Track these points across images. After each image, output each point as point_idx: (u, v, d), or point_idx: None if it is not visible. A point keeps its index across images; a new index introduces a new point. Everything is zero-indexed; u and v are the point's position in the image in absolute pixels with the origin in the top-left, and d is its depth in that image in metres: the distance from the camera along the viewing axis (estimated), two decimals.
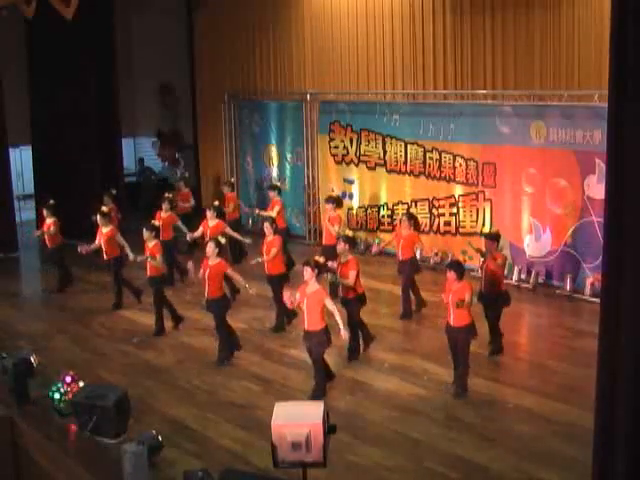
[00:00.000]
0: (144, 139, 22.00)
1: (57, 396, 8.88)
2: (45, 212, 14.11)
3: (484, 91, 14.05)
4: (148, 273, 11.72)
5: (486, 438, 8.28)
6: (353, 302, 10.37)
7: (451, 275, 9.24)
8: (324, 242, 13.06)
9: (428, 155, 14.69)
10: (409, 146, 15.02)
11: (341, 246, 10.50)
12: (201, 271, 10.50)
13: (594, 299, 11.84)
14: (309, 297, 9.16)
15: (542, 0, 13.15)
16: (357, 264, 10.41)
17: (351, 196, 16.32)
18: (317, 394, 9.14)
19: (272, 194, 14.89)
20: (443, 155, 14.42)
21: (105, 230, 12.92)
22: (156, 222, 12.39)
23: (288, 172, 17.68)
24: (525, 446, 8.08)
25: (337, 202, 13.39)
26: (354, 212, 16.27)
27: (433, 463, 7.82)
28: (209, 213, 13.39)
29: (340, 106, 16.33)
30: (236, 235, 13.53)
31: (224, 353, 10.55)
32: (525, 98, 13.34)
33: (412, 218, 12.29)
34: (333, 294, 10.83)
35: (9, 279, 15.33)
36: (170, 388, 9.91)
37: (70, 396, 8.83)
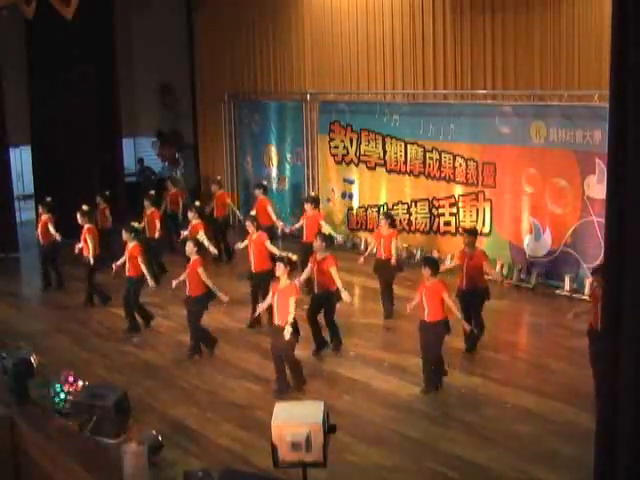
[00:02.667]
0: (144, 139, 21.97)
1: (61, 397, 8.89)
2: (41, 208, 14.23)
3: (484, 91, 14.05)
4: (127, 273, 11.89)
5: (485, 438, 8.28)
6: (330, 298, 10.55)
7: (426, 271, 9.34)
8: (304, 239, 13.19)
9: (428, 155, 14.69)
10: (409, 146, 15.01)
11: (318, 244, 10.70)
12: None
13: None
14: (280, 292, 9.39)
15: (542, 0, 13.15)
16: (335, 261, 10.59)
17: (351, 196, 16.33)
18: (299, 384, 9.48)
19: (258, 192, 15.13)
20: (443, 155, 14.42)
21: (86, 227, 13.11)
22: (135, 224, 12.64)
23: (288, 172, 17.68)
24: (524, 446, 8.08)
25: (314, 201, 13.57)
26: (354, 212, 16.27)
27: (432, 463, 7.82)
28: (190, 214, 13.59)
29: (340, 106, 16.33)
30: (206, 242, 12.92)
31: (195, 346, 10.78)
32: (525, 98, 13.34)
33: (390, 217, 12.42)
34: (306, 290, 11.28)
35: (9, 279, 15.32)
36: (170, 388, 9.91)
37: (72, 396, 8.86)
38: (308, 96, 16.91)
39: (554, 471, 7.59)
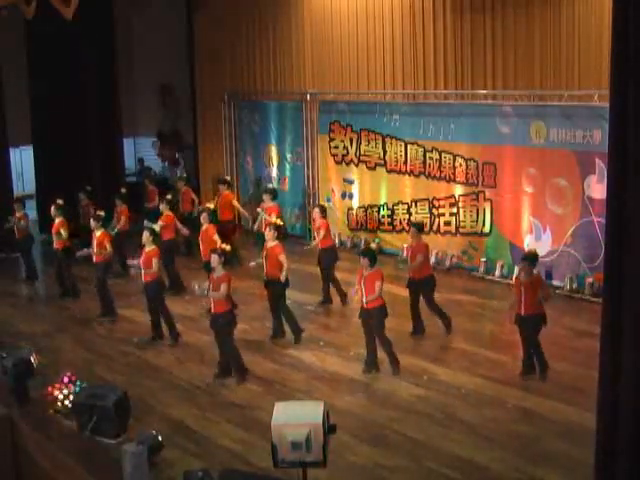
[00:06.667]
0: (144, 139, 22.00)
1: (61, 396, 8.91)
2: (16, 206, 15.02)
3: (484, 91, 14.04)
4: (94, 259, 12.60)
5: (486, 438, 8.29)
6: (277, 286, 11.18)
7: (364, 261, 9.92)
8: (262, 229, 13.90)
9: (428, 155, 14.68)
10: (409, 146, 15.01)
11: (270, 234, 11.41)
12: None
13: (594, 299, 11.86)
14: (215, 281, 9.94)
15: (542, 0, 13.14)
16: (283, 249, 11.32)
17: (351, 196, 16.32)
18: (239, 378, 9.94)
19: (222, 187, 15.84)
20: (443, 155, 14.41)
21: (57, 221, 13.72)
22: (101, 212, 13.25)
23: (288, 172, 17.68)
24: (525, 446, 8.08)
25: (273, 194, 14.57)
26: (354, 212, 16.26)
27: (433, 463, 7.82)
28: (162, 205, 14.38)
29: (340, 106, 16.32)
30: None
31: (158, 329, 11.53)
32: (525, 98, 13.33)
33: (322, 208, 13.24)
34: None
35: (10, 279, 15.33)
36: (170, 388, 9.91)
37: (71, 396, 8.87)
38: (308, 96, 16.91)
39: (554, 471, 7.59)
